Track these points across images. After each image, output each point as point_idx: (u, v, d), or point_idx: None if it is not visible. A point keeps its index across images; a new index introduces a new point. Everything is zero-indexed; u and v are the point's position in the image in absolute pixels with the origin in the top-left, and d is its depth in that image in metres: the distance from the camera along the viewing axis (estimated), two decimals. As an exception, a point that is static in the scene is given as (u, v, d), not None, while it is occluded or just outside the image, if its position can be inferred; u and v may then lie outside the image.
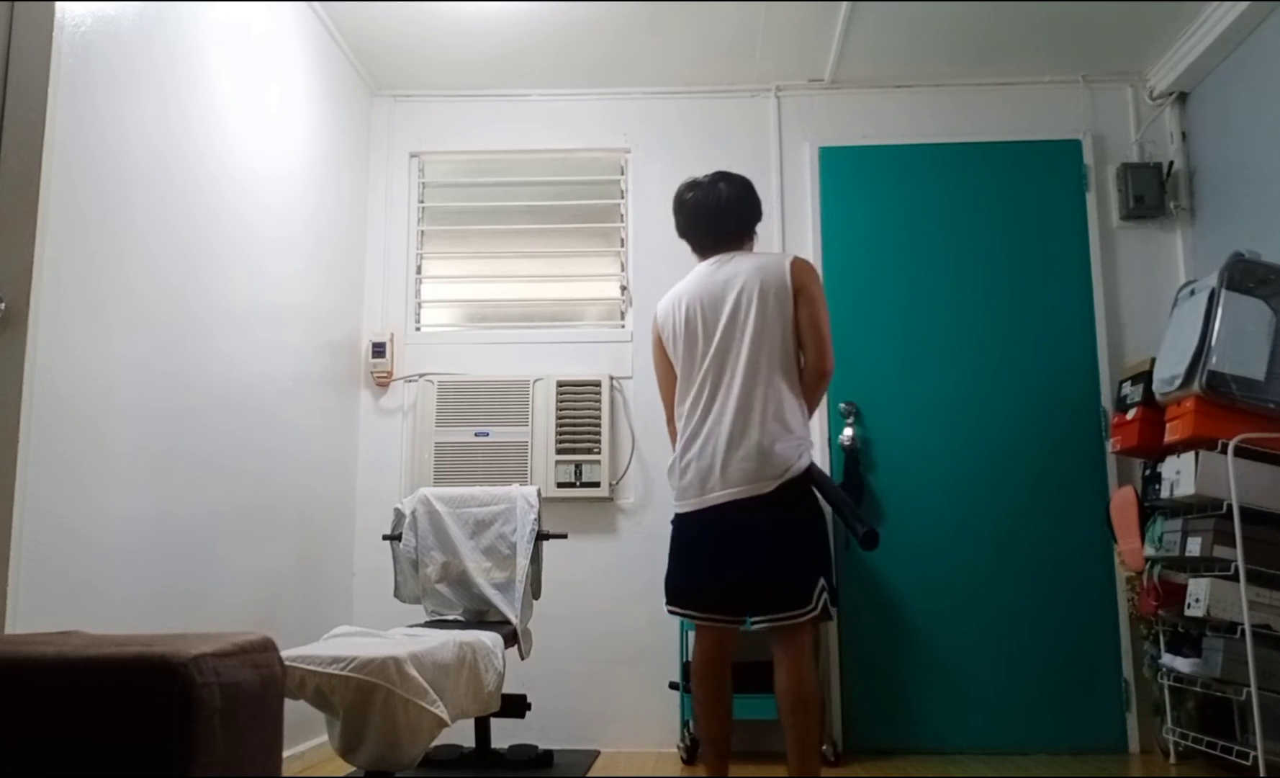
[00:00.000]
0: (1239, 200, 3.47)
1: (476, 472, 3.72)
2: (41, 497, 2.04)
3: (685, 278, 2.56)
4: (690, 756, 3.39)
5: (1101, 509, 3.59)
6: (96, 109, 2.24)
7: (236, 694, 1.35)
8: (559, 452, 3.74)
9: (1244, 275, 3.00)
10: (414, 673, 2.24)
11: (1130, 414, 3.40)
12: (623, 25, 3.59)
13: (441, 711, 2.29)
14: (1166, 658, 3.16)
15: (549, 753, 3.26)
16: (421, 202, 4.07)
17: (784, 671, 2.32)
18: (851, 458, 3.68)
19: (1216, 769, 3.15)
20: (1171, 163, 3.78)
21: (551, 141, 4.03)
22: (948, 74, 3.92)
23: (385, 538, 3.31)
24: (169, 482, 2.53)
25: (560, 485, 3.72)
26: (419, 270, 4.02)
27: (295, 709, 2.15)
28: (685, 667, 3.48)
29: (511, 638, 2.98)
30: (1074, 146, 3.88)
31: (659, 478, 3.74)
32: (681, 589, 2.45)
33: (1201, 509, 2.97)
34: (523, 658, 3.18)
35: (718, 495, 2.35)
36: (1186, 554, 2.96)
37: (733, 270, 2.47)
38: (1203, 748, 3.09)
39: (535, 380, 3.80)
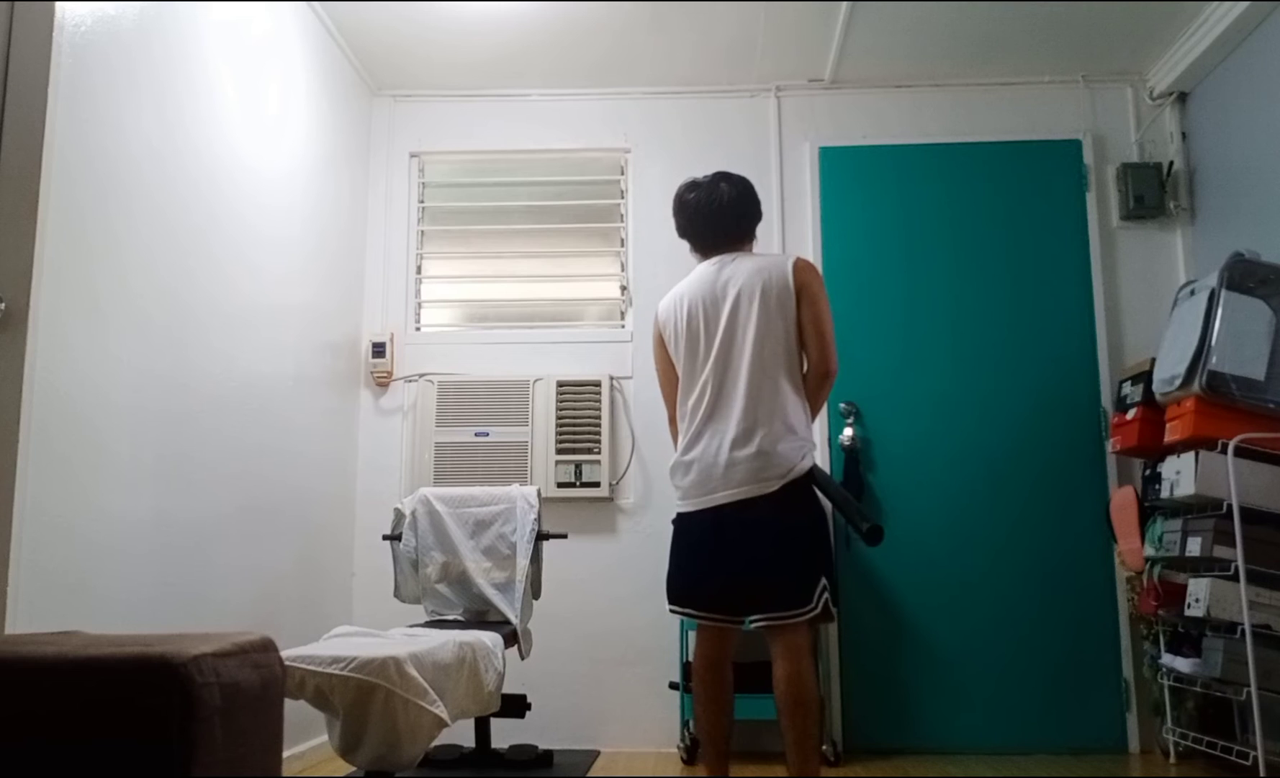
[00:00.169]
0: (1239, 200, 3.47)
1: (476, 472, 3.72)
2: (41, 497, 2.04)
3: (686, 278, 2.55)
4: (690, 756, 3.39)
5: (1101, 509, 3.59)
6: (96, 109, 2.25)
7: (236, 694, 1.35)
8: (559, 452, 3.74)
9: (1244, 275, 3.00)
10: (414, 673, 2.24)
11: (1130, 414, 3.40)
12: (623, 25, 3.59)
13: (441, 711, 2.29)
14: (1166, 658, 3.16)
15: (549, 753, 3.26)
16: (421, 202, 4.07)
17: (783, 670, 2.31)
18: (851, 458, 3.68)
19: (1216, 769, 3.15)
20: (1171, 163, 3.78)
21: (551, 141, 4.03)
22: (948, 74, 3.92)
23: (385, 538, 3.31)
24: (169, 482, 2.53)
25: (560, 485, 3.72)
26: (419, 270, 4.02)
27: (295, 709, 2.16)
28: (685, 667, 3.48)
29: (511, 638, 2.98)
30: (1074, 146, 3.88)
31: (659, 478, 3.74)
32: (684, 589, 2.45)
33: (1201, 509, 2.97)
34: (523, 658, 3.18)
35: (721, 495, 2.35)
36: (1186, 554, 2.96)
37: (735, 271, 2.47)
38: (1203, 748, 3.09)
39: (535, 380, 3.80)
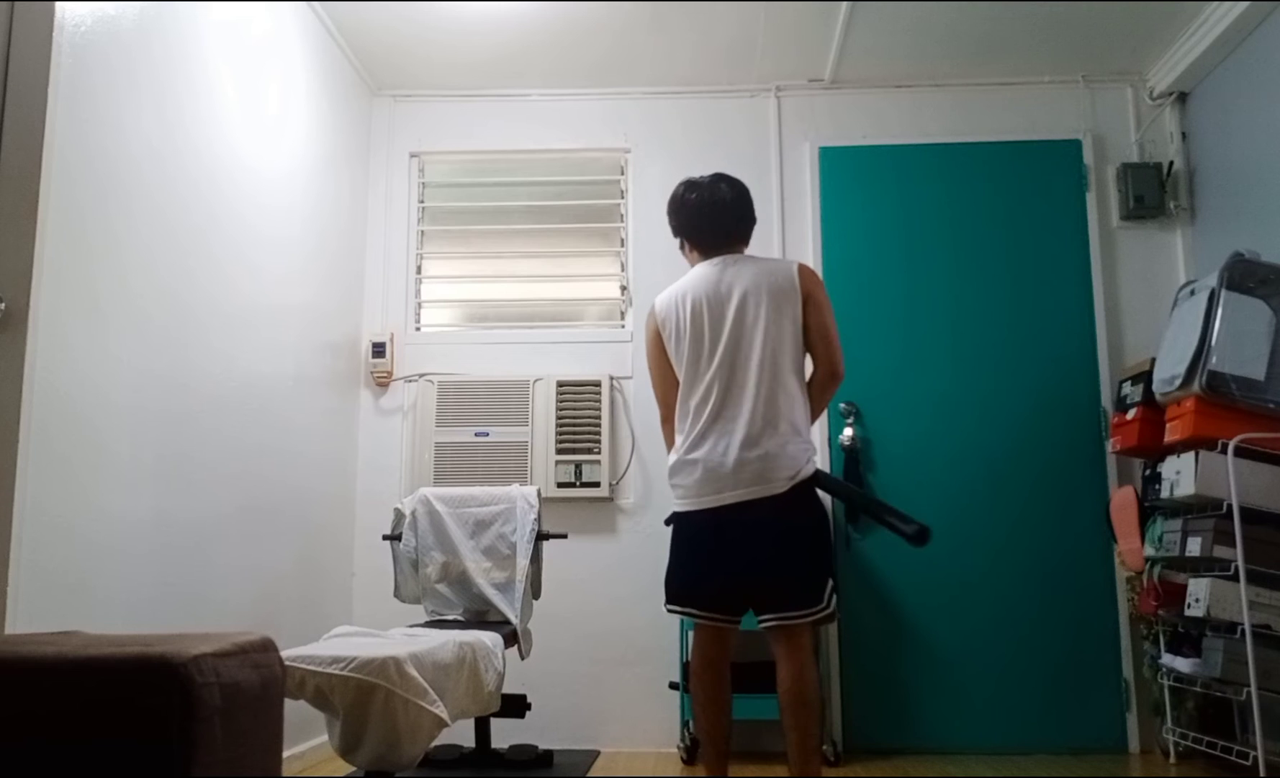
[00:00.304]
0: (1239, 200, 3.47)
1: (476, 472, 3.72)
2: (41, 497, 2.04)
3: (685, 277, 2.55)
4: (690, 756, 3.39)
5: (1101, 509, 3.59)
6: (96, 109, 2.25)
7: (236, 694, 1.35)
8: (559, 452, 3.74)
9: (1244, 275, 3.00)
10: (414, 673, 2.24)
11: (1130, 414, 3.40)
12: (623, 25, 3.59)
13: (441, 711, 2.29)
14: (1166, 658, 3.16)
15: (549, 753, 3.26)
16: (421, 202, 4.07)
17: (788, 669, 2.33)
18: (851, 458, 3.68)
19: (1216, 769, 3.15)
20: (1171, 163, 3.78)
21: (551, 141, 4.03)
22: (948, 74, 3.92)
23: (385, 538, 3.31)
24: (169, 482, 2.53)
25: (560, 485, 3.72)
26: (419, 270, 4.02)
27: (295, 709, 2.15)
28: (685, 667, 3.47)
29: (511, 638, 2.98)
30: (1074, 146, 3.88)
31: (659, 478, 3.74)
32: (686, 588, 2.43)
33: (1201, 509, 2.97)
34: (523, 658, 3.18)
35: (729, 495, 2.34)
36: (1186, 554, 2.96)
37: (739, 272, 2.47)
38: (1203, 748, 3.09)
39: (535, 380, 3.80)
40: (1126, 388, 3.49)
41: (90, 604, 2.20)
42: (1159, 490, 3.14)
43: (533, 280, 4.03)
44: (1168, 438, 3.14)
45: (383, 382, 3.88)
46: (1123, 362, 3.69)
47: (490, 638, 2.76)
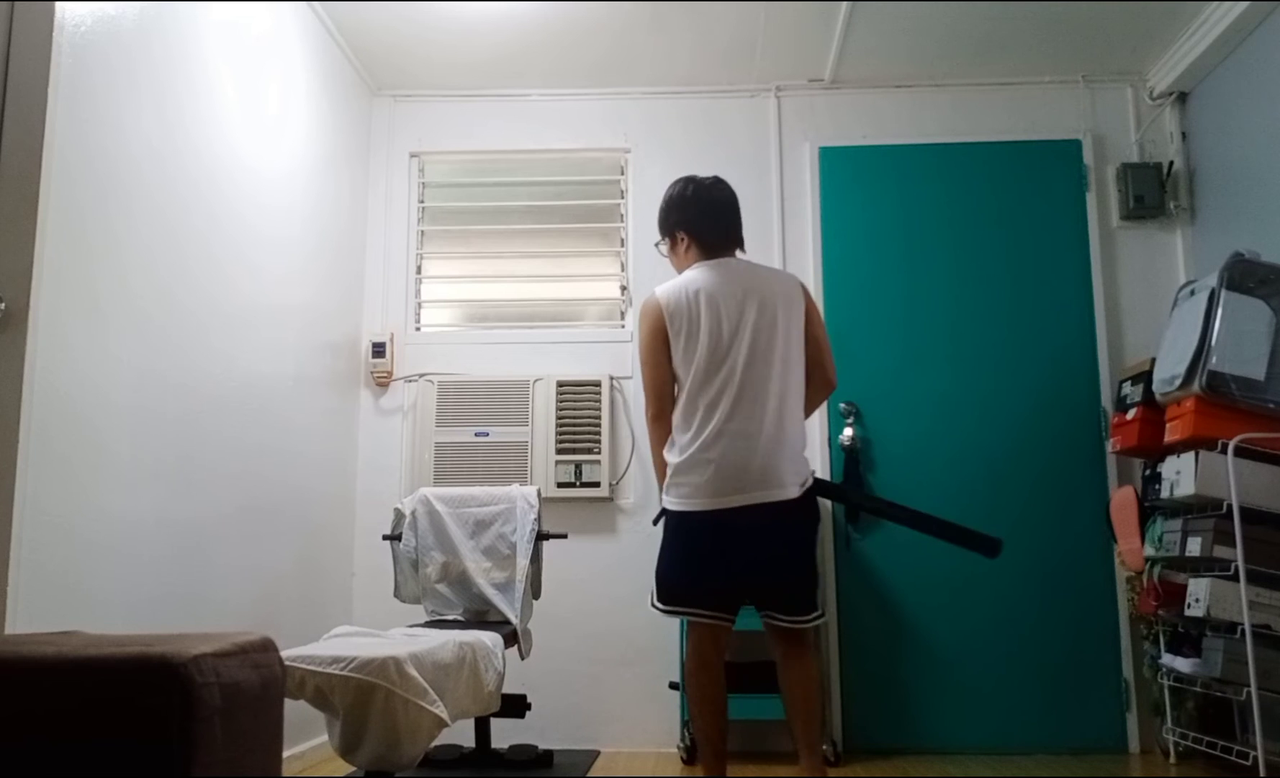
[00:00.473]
0: (1239, 200, 3.47)
1: (476, 472, 3.72)
2: (41, 497, 2.04)
3: (688, 274, 2.52)
4: (690, 756, 3.39)
5: (1101, 509, 3.59)
6: (96, 109, 2.25)
7: (236, 694, 1.35)
8: (559, 452, 3.74)
9: (1244, 275, 3.00)
10: (414, 673, 2.24)
11: (1130, 414, 3.40)
12: (623, 25, 3.59)
13: (441, 711, 2.29)
14: (1166, 658, 3.16)
15: (549, 753, 3.26)
16: (421, 202, 4.07)
17: (800, 668, 2.42)
18: (851, 458, 3.68)
19: (1216, 769, 3.15)
20: (1171, 163, 3.78)
21: (551, 141, 4.03)
22: (948, 74, 3.92)
23: (385, 538, 3.31)
24: (169, 481, 2.53)
25: (560, 485, 3.72)
26: (419, 270, 4.02)
27: (295, 709, 2.15)
28: (685, 667, 3.47)
29: (511, 638, 2.98)
30: (1074, 146, 3.88)
31: (659, 478, 3.74)
32: (688, 587, 2.40)
33: (1201, 509, 2.97)
34: (523, 658, 3.18)
35: (747, 497, 2.35)
36: (1186, 554, 2.96)
37: (749, 276, 2.50)
38: (1203, 748, 3.09)
39: (535, 380, 3.80)
40: (1126, 388, 3.49)
41: (90, 604, 2.20)
42: (1159, 490, 3.14)
43: (533, 280, 4.03)
44: (1168, 438, 3.14)
45: (383, 382, 3.88)
46: (1123, 362, 3.69)
47: (490, 638, 2.76)
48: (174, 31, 2.57)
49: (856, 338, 3.78)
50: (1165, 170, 3.78)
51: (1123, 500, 3.40)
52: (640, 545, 3.72)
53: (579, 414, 3.77)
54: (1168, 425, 3.15)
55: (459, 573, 3.18)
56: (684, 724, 3.47)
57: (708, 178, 2.63)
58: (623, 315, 3.96)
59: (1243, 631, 2.71)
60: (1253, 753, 2.75)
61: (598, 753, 3.52)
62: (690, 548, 2.41)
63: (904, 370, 3.76)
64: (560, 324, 3.97)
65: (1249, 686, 2.69)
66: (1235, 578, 2.75)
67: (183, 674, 1.25)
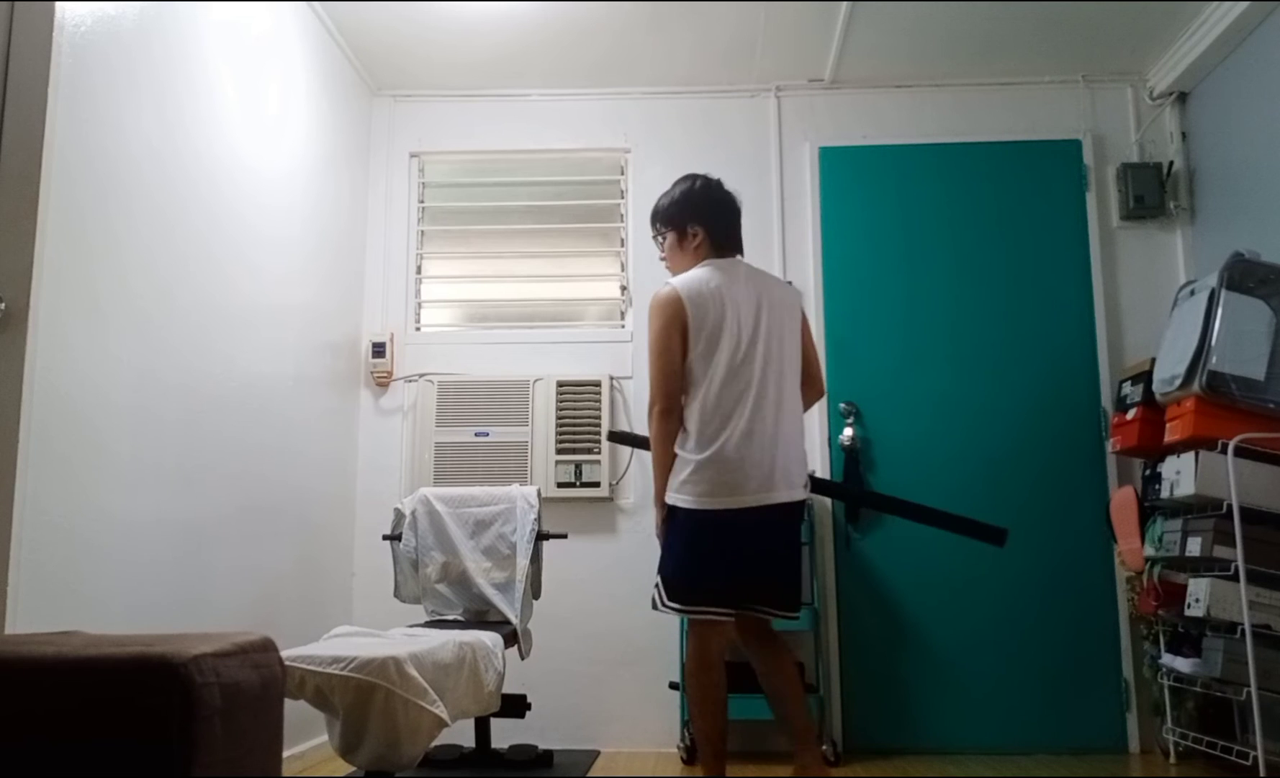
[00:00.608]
0: (1239, 200, 3.47)
1: (476, 472, 3.72)
2: (41, 497, 2.04)
3: (704, 270, 2.49)
4: (690, 756, 3.39)
5: (1101, 509, 3.59)
6: (96, 109, 2.25)
7: (236, 694, 1.35)
8: (559, 452, 3.74)
9: (1244, 275, 3.00)
10: (414, 673, 2.24)
11: (1130, 414, 3.40)
12: (623, 25, 3.59)
13: (441, 711, 2.29)
14: (1166, 658, 3.16)
15: (549, 753, 3.26)
16: (421, 202, 4.07)
17: (788, 663, 2.49)
18: (851, 458, 3.68)
19: (1216, 769, 3.15)
20: (1171, 163, 3.78)
21: (551, 141, 4.03)
22: (948, 74, 3.92)
23: (385, 538, 3.31)
24: (169, 482, 2.53)
25: (560, 485, 3.72)
26: (419, 270, 4.02)
27: (295, 709, 2.15)
28: (685, 667, 3.47)
29: (511, 638, 2.98)
30: (1074, 146, 3.88)
31: (659, 478, 3.74)
32: (708, 585, 2.37)
33: (1201, 509, 2.97)
34: (523, 658, 3.18)
35: (768, 496, 2.38)
36: (1186, 554, 2.96)
37: (760, 280, 2.55)
38: (1203, 748, 3.09)
39: (535, 380, 3.80)
40: (1126, 388, 3.49)
41: (90, 605, 2.20)
42: (1159, 490, 3.14)
43: (533, 280, 4.03)
44: (1168, 438, 3.14)
45: (383, 382, 3.88)
46: (1123, 362, 3.69)
47: (490, 638, 2.76)
48: (174, 31, 2.57)
49: (856, 338, 3.78)
50: (1165, 170, 3.78)
51: (1123, 500, 3.40)
52: (640, 545, 3.72)
53: (579, 414, 3.77)
54: (1168, 425, 3.15)
55: (459, 573, 3.18)
56: (684, 724, 3.47)
57: (714, 178, 2.67)
58: (623, 315, 3.96)
59: (1243, 631, 2.71)
60: (1253, 753, 2.75)
61: (598, 753, 3.52)
62: (711, 546, 2.38)
63: (904, 370, 3.76)
64: (560, 324, 3.97)
65: (1249, 686, 2.69)
66: (1235, 578, 2.75)
67: (183, 674, 1.25)
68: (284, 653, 1.71)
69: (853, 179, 3.91)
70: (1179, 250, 3.78)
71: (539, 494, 3.26)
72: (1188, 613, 2.92)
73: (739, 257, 2.61)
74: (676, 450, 2.44)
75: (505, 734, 3.45)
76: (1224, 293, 2.97)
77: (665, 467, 2.44)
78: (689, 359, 2.43)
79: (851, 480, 3.65)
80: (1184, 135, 3.80)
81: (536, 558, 3.20)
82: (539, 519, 3.20)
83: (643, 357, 3.82)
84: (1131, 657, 3.54)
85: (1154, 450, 3.27)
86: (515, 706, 3.05)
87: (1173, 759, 3.30)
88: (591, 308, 4.02)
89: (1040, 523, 3.64)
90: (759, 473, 2.37)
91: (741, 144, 3.97)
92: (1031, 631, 3.59)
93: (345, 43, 3.70)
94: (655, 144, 4.00)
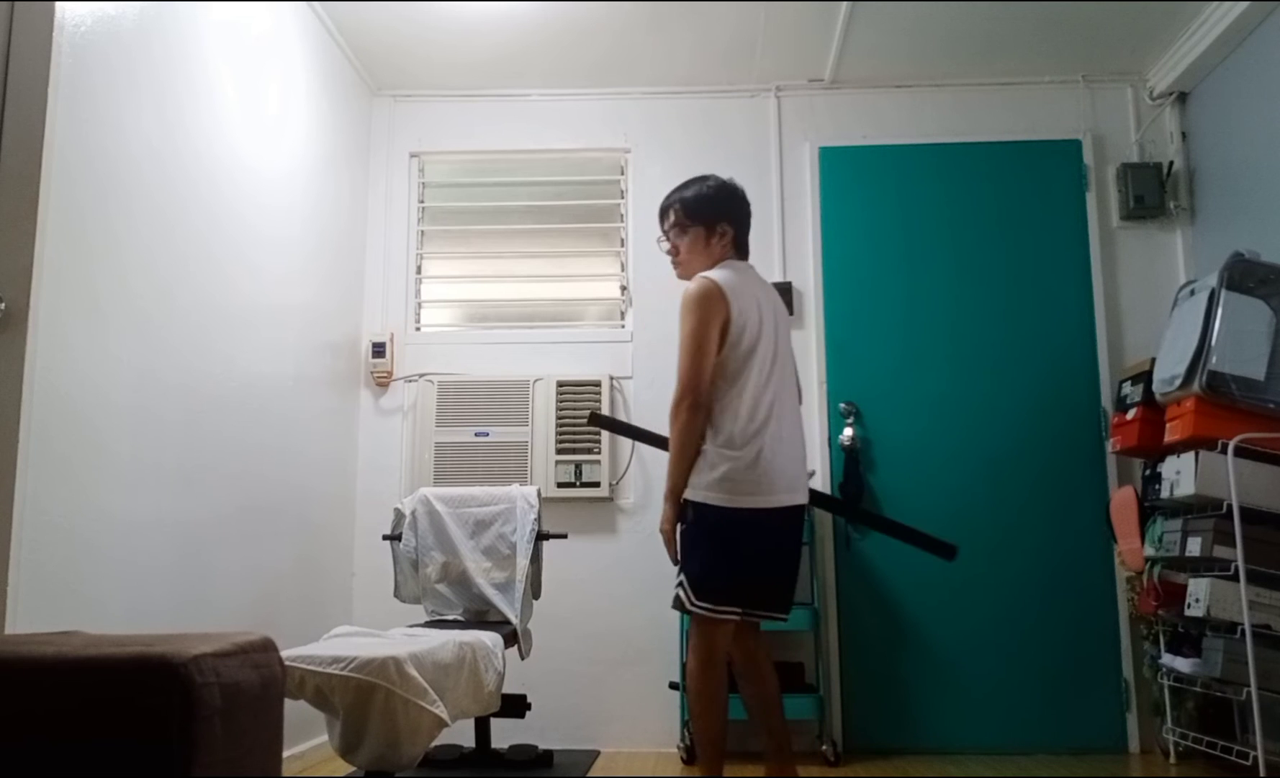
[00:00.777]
0: (1239, 200, 3.47)
1: (476, 472, 3.72)
2: (41, 497, 2.04)
3: (726, 270, 2.46)
4: (690, 756, 3.39)
5: (1101, 509, 3.59)
6: (96, 109, 2.25)
7: (236, 694, 1.35)
8: (559, 452, 3.74)
9: (1244, 275, 3.00)
10: (414, 673, 2.24)
11: (1130, 414, 3.40)
12: (623, 25, 3.58)
13: (441, 711, 2.29)
14: (1166, 658, 3.16)
15: (549, 753, 3.26)
16: (421, 202, 4.07)
17: (772, 666, 2.51)
18: (851, 458, 3.68)
19: (1216, 769, 3.15)
20: (1171, 163, 3.78)
21: (551, 141, 4.03)
22: (948, 74, 3.92)
23: (385, 538, 3.31)
24: (169, 482, 2.53)
25: (560, 485, 3.72)
26: (419, 270, 4.02)
27: (295, 709, 2.15)
28: (685, 667, 3.46)
29: (511, 638, 2.98)
30: (1074, 146, 3.88)
31: (659, 478, 3.73)
32: (742, 584, 2.37)
33: (1201, 509, 2.96)
34: (523, 658, 3.18)
35: (794, 497, 2.43)
36: (1186, 554, 2.96)
37: (767, 286, 2.58)
38: (1203, 748, 3.09)
39: (535, 380, 3.80)
40: (1126, 388, 3.49)
41: (90, 605, 2.20)
42: (1159, 490, 3.14)
43: (533, 280, 4.03)
44: (1168, 438, 3.14)
45: (383, 382, 3.88)
46: (1123, 362, 3.69)
47: (490, 638, 2.76)
48: (174, 31, 2.57)
49: (856, 338, 3.78)
50: (1165, 170, 3.78)
51: (1123, 500, 3.40)
52: (640, 545, 3.72)
53: (579, 414, 3.77)
54: (1168, 425, 3.15)
55: (459, 573, 3.18)
56: (684, 724, 3.47)
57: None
58: (623, 315, 3.96)
59: (1243, 631, 2.71)
60: (1253, 753, 2.75)
61: (598, 753, 3.52)
62: (745, 546, 2.36)
63: (904, 370, 3.76)
64: (560, 324, 3.97)
65: (1249, 686, 2.69)
66: (1235, 578, 2.75)
67: (183, 674, 1.25)
68: (284, 653, 1.71)
69: (853, 179, 3.91)
70: (1179, 250, 3.78)
71: (539, 494, 3.26)
72: (1188, 613, 2.92)
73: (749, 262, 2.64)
74: (710, 447, 2.36)
75: (505, 734, 3.45)
76: (1224, 293, 2.97)
77: (690, 463, 2.37)
78: (722, 355, 2.38)
79: (851, 481, 3.65)
80: (1184, 135, 3.80)
81: (536, 558, 3.20)
82: (539, 519, 3.20)
83: (643, 357, 3.83)
84: (1131, 657, 3.54)
85: (1154, 450, 3.27)
86: (515, 706, 3.05)
87: (1173, 759, 3.30)
88: (591, 308, 4.02)
89: (1040, 523, 3.64)
90: (787, 474, 2.40)
91: (741, 144, 3.97)
92: (1031, 631, 3.59)
93: (345, 43, 3.70)
94: (655, 144, 4.00)
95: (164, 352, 2.52)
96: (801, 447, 2.51)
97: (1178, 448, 3.07)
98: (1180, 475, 3.00)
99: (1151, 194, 3.75)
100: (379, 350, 3.85)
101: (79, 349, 2.18)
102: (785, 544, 2.45)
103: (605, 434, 3.74)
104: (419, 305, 4.02)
